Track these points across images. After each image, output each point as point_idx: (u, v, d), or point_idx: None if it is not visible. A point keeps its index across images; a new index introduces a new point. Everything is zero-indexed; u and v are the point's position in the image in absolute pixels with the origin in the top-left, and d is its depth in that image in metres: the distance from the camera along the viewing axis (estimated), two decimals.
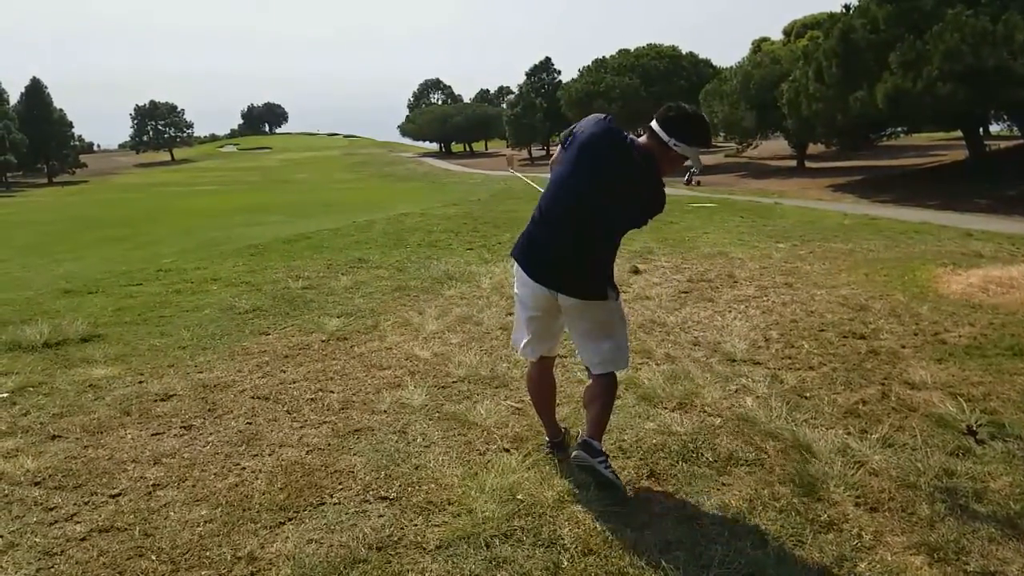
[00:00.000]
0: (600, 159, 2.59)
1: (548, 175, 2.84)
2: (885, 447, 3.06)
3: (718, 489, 2.75)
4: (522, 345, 2.93)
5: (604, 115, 2.70)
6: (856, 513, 2.56)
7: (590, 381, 2.85)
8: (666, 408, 3.53)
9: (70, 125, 68.46)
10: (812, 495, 2.67)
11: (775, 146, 33.55)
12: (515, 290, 2.91)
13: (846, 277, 6.56)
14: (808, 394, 3.69)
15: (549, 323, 2.85)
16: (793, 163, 28.39)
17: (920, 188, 18.26)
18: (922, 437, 3.14)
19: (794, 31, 42.59)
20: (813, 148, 29.29)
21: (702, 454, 3.02)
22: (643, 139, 2.62)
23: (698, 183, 24.01)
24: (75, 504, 2.72)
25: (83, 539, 2.49)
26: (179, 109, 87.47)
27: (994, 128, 26.47)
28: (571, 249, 2.66)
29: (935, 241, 8.95)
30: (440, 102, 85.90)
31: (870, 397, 3.63)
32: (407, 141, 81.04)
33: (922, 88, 15.34)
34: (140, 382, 4.09)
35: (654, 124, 2.57)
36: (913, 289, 5.96)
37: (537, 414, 3.15)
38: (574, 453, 2.73)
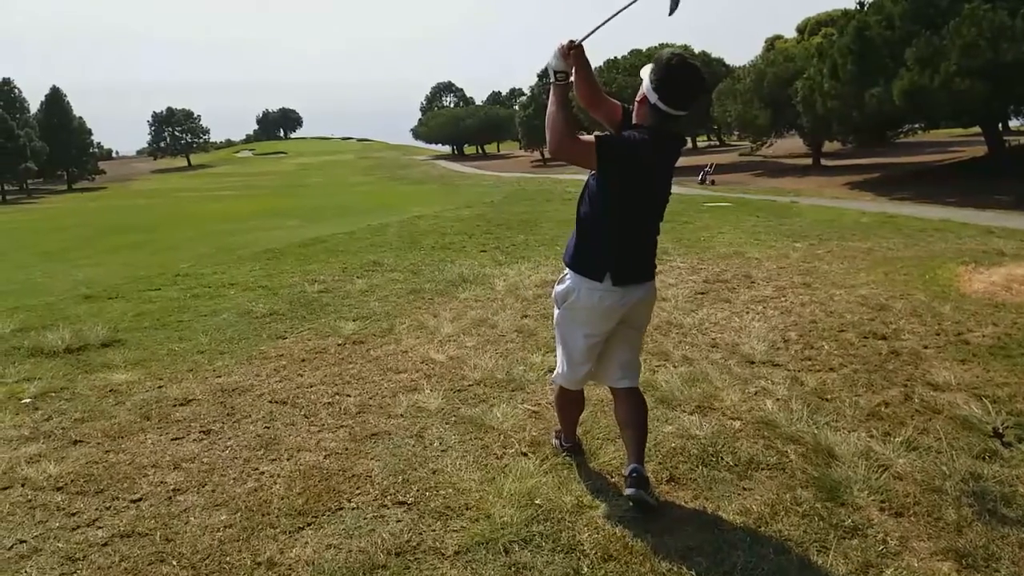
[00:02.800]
0: (671, 165, 2.64)
1: (567, 176, 2.78)
2: (909, 450, 3.01)
3: (739, 494, 2.71)
4: (582, 377, 2.80)
5: (645, 125, 2.54)
6: (881, 518, 2.52)
7: (619, 401, 2.77)
8: (684, 411, 3.50)
9: (89, 132, 69.37)
10: (835, 500, 2.63)
11: (790, 144, 33.29)
12: (573, 325, 2.70)
13: (865, 276, 6.48)
14: (829, 396, 3.64)
15: (604, 341, 2.75)
16: (808, 161, 28.13)
17: (939, 185, 18.02)
18: (947, 440, 3.09)
19: (808, 28, 42.26)
20: (829, 146, 29.02)
21: (722, 458, 2.99)
22: (650, 116, 2.51)
23: (712, 182, 23.87)
24: (97, 509, 2.74)
25: (105, 544, 2.51)
26: (196, 115, 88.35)
27: (1013, 123, 26.15)
28: (653, 239, 2.71)
29: (955, 239, 8.82)
30: (452, 105, 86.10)
31: (893, 399, 3.58)
32: (420, 144, 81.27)
33: (939, 84, 15.15)
34: (160, 387, 4.12)
35: (663, 106, 2.47)
36: (934, 288, 5.87)
37: (560, 421, 3.11)
38: (633, 492, 2.55)
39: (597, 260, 2.60)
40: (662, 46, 45.67)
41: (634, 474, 2.58)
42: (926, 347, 4.37)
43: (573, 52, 2.54)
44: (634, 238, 2.62)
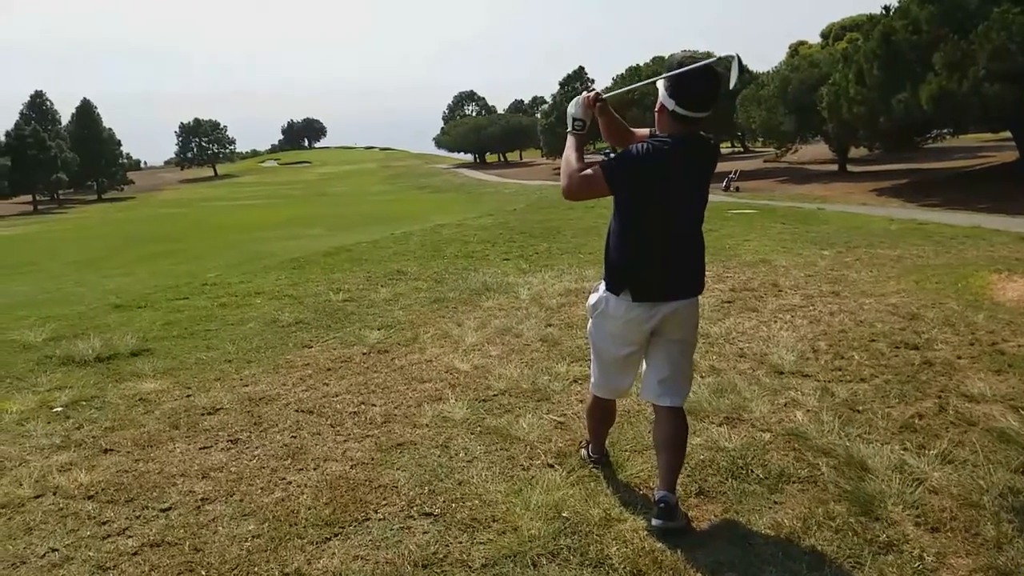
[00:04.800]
0: (701, 171, 2.55)
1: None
2: (945, 463, 2.94)
3: (770, 507, 2.67)
4: (614, 387, 2.77)
5: (662, 134, 2.48)
6: (917, 533, 2.46)
7: (657, 419, 2.68)
8: (713, 423, 3.45)
9: (118, 143, 70.97)
10: (869, 514, 2.58)
11: (815, 150, 32.92)
12: (602, 334, 2.67)
13: (895, 285, 6.36)
14: (861, 408, 3.57)
15: (641, 353, 2.69)
16: (835, 167, 27.79)
17: (969, 191, 17.67)
18: (984, 453, 3.01)
19: (832, 34, 41.89)
20: (855, 151, 28.65)
21: (752, 471, 2.94)
22: (671, 123, 2.45)
23: (737, 189, 23.69)
24: (127, 518, 2.77)
25: (135, 553, 2.53)
26: (222, 126, 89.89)
27: None
28: (690, 251, 2.59)
29: (987, 246, 8.63)
30: (474, 113, 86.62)
31: (926, 411, 3.50)
32: (442, 152, 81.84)
33: (968, 88, 14.90)
34: (188, 396, 4.16)
35: (681, 110, 2.41)
36: (967, 297, 5.75)
37: (589, 431, 3.08)
38: (660, 524, 2.48)
39: (620, 275, 2.56)
40: (685, 53, 45.59)
41: (662, 504, 2.50)
42: (960, 357, 4.27)
43: (599, 104, 2.61)
44: (660, 252, 2.50)
